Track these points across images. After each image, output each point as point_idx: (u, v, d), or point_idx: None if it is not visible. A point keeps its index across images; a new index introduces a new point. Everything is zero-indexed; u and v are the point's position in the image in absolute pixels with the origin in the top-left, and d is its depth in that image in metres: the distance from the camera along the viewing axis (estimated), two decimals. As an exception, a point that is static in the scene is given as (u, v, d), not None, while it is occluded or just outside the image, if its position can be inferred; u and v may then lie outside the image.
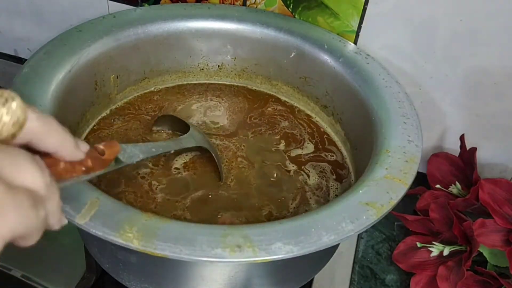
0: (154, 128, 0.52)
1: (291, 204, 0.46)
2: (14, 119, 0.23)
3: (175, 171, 0.48)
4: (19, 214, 0.21)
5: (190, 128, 0.49)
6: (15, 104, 0.23)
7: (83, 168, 0.29)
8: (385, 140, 0.44)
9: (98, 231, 0.33)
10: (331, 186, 0.49)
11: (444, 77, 0.55)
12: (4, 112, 0.22)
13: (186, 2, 0.59)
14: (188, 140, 0.48)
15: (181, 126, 0.51)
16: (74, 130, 0.48)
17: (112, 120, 0.53)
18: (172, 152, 0.45)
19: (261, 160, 0.50)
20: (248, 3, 0.58)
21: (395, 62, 0.55)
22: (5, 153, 0.22)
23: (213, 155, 0.48)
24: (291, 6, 0.56)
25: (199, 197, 0.45)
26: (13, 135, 0.23)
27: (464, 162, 0.56)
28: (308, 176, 0.49)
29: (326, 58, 0.53)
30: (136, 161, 0.37)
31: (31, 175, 0.23)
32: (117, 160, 0.34)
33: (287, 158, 0.51)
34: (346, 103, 0.52)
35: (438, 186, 0.56)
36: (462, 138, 0.57)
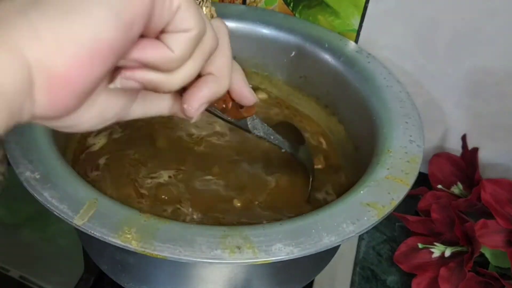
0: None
1: None
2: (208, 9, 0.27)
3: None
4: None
5: (306, 143, 0.49)
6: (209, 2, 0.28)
7: (223, 105, 0.31)
8: (386, 140, 0.44)
9: (97, 232, 0.32)
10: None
11: (446, 77, 0.55)
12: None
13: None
14: (302, 152, 0.47)
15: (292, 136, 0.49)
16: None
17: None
18: (282, 151, 0.45)
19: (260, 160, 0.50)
20: (248, 1, 0.57)
21: (397, 61, 0.55)
22: None
23: (311, 177, 0.47)
24: (291, 5, 0.56)
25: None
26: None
27: (466, 162, 0.56)
28: None
29: (327, 57, 0.52)
30: (255, 134, 0.39)
31: None
32: (243, 121, 0.37)
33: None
34: (347, 103, 0.52)
35: (439, 186, 0.56)
36: (464, 138, 0.57)
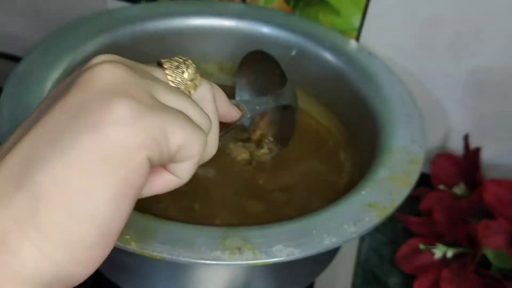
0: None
1: None
2: (191, 76, 0.26)
3: None
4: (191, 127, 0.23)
5: (288, 82, 0.46)
6: (193, 67, 0.26)
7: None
8: (387, 140, 0.43)
9: (94, 233, 0.32)
10: None
11: (447, 76, 0.54)
12: (184, 69, 0.25)
13: (185, -1, 0.58)
14: (287, 94, 0.46)
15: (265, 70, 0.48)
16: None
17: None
18: (271, 107, 0.44)
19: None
20: (247, 0, 0.57)
21: (398, 60, 0.55)
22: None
23: (295, 115, 0.46)
24: (291, 3, 0.56)
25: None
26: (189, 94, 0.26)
27: (468, 163, 0.56)
28: None
29: (328, 56, 0.52)
30: (244, 123, 0.39)
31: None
32: None
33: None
34: (347, 102, 0.52)
35: (441, 187, 0.56)
36: (466, 138, 0.56)
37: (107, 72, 0.22)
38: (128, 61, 0.24)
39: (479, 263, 0.47)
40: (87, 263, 0.21)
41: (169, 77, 0.25)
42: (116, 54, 0.24)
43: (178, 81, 0.25)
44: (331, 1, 0.54)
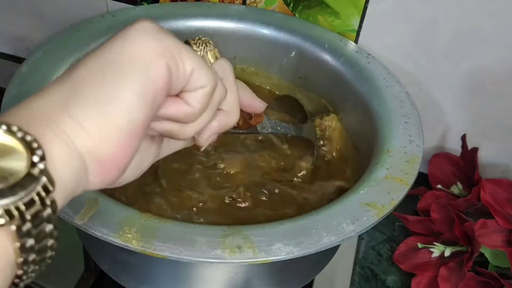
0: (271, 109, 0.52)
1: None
2: (212, 52, 0.30)
3: None
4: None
5: (309, 120, 0.50)
6: (212, 44, 0.31)
7: (235, 125, 0.33)
8: (386, 140, 0.44)
9: (97, 232, 0.32)
10: None
11: (445, 77, 0.55)
12: (206, 43, 0.31)
13: (186, 1, 0.59)
14: (307, 130, 0.49)
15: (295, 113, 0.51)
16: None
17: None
18: (288, 135, 0.48)
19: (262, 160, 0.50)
20: (248, 2, 0.57)
21: (396, 61, 0.55)
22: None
23: (315, 153, 0.49)
24: (291, 5, 0.56)
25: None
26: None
27: (466, 162, 0.56)
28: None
29: (327, 57, 0.52)
30: (264, 132, 0.42)
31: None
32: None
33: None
34: (346, 103, 0.52)
35: (439, 186, 0.56)
36: (463, 138, 0.57)
37: (141, 24, 0.26)
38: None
39: (476, 262, 0.47)
40: (116, 146, 0.24)
41: (194, 47, 0.30)
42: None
43: (201, 50, 0.30)
44: (330, 3, 0.54)
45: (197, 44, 0.30)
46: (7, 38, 0.73)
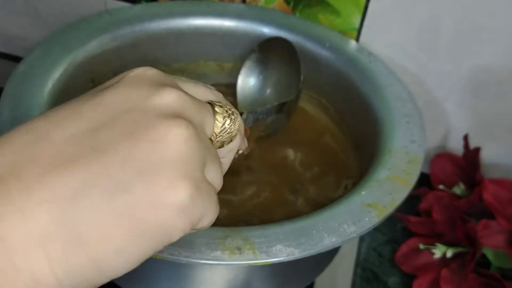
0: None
1: None
2: (233, 130, 0.26)
3: None
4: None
5: (299, 63, 0.49)
6: (239, 120, 0.27)
7: None
8: (387, 140, 0.43)
9: (94, 233, 0.32)
10: None
11: (447, 76, 0.54)
12: (228, 121, 0.26)
13: (185, -1, 0.58)
14: (290, 104, 0.48)
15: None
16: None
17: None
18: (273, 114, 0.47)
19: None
20: (247, 0, 0.57)
21: (398, 60, 0.54)
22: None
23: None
24: (291, 4, 0.56)
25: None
26: (222, 145, 0.26)
27: (468, 163, 0.56)
28: None
29: (328, 56, 0.52)
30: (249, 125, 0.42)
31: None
32: None
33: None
34: (347, 102, 0.52)
35: (441, 186, 0.56)
36: (465, 138, 0.56)
37: (179, 139, 0.22)
38: (183, 96, 0.23)
39: (478, 263, 0.47)
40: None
41: (217, 122, 0.25)
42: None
43: (223, 129, 0.26)
44: (331, 1, 0.54)
45: (223, 115, 0.26)
46: (5, 37, 0.72)
